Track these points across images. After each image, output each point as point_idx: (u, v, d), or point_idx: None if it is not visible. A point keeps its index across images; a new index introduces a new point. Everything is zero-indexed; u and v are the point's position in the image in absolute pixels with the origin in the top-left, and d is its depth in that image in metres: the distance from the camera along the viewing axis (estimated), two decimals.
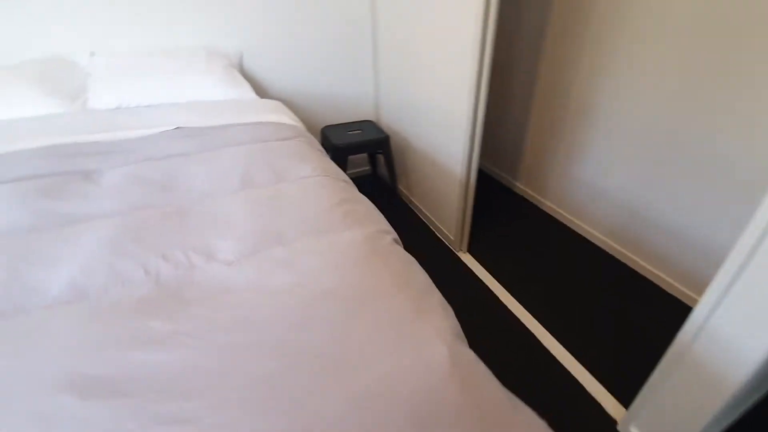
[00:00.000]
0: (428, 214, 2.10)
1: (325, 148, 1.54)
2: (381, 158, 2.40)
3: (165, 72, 1.62)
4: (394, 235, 0.94)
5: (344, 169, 1.35)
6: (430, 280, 0.79)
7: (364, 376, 0.55)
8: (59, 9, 1.57)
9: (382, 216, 1.00)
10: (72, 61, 1.62)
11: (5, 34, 1.54)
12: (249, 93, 1.70)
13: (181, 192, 1.01)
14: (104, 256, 0.76)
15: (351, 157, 2.10)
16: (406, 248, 0.89)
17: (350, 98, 2.33)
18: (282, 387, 0.53)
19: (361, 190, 1.13)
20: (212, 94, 1.66)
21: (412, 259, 0.85)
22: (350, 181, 1.18)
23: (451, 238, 1.88)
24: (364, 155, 2.59)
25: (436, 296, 0.74)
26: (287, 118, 1.54)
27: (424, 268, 0.83)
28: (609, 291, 1.64)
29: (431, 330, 0.63)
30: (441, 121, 1.71)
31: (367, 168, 2.66)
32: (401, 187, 2.39)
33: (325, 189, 1.04)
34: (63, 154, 1.15)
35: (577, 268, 1.77)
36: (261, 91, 2.00)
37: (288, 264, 0.76)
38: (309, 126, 1.80)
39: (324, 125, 2.24)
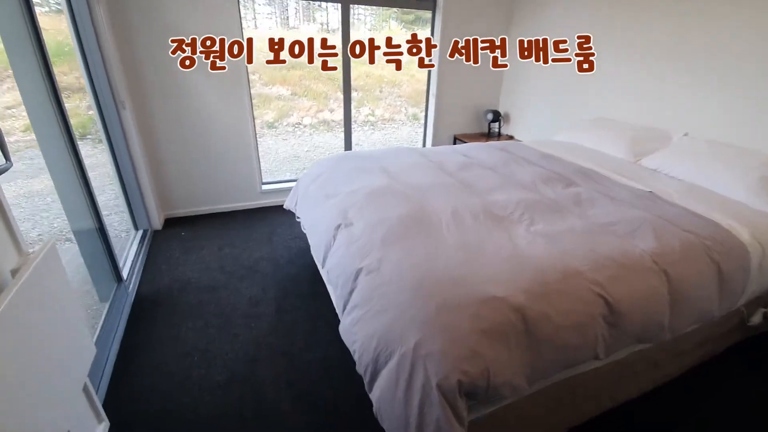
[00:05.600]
0: None
1: None
2: None
3: (708, 159, 1.93)
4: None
5: None
6: None
7: None
8: (685, 102, 2.21)
9: None
10: (667, 134, 2.28)
11: (647, 106, 2.43)
12: (758, 204, 1.66)
13: (578, 206, 1.66)
14: (522, 193, 1.69)
15: None
16: None
17: None
18: None
19: None
20: (728, 190, 1.79)
21: None
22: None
23: None
24: None
25: None
26: (745, 232, 1.48)
27: None
28: None
29: None
30: None
31: None
32: None
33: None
34: (580, 171, 2.05)
35: None
36: None
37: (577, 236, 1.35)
38: None
39: None
